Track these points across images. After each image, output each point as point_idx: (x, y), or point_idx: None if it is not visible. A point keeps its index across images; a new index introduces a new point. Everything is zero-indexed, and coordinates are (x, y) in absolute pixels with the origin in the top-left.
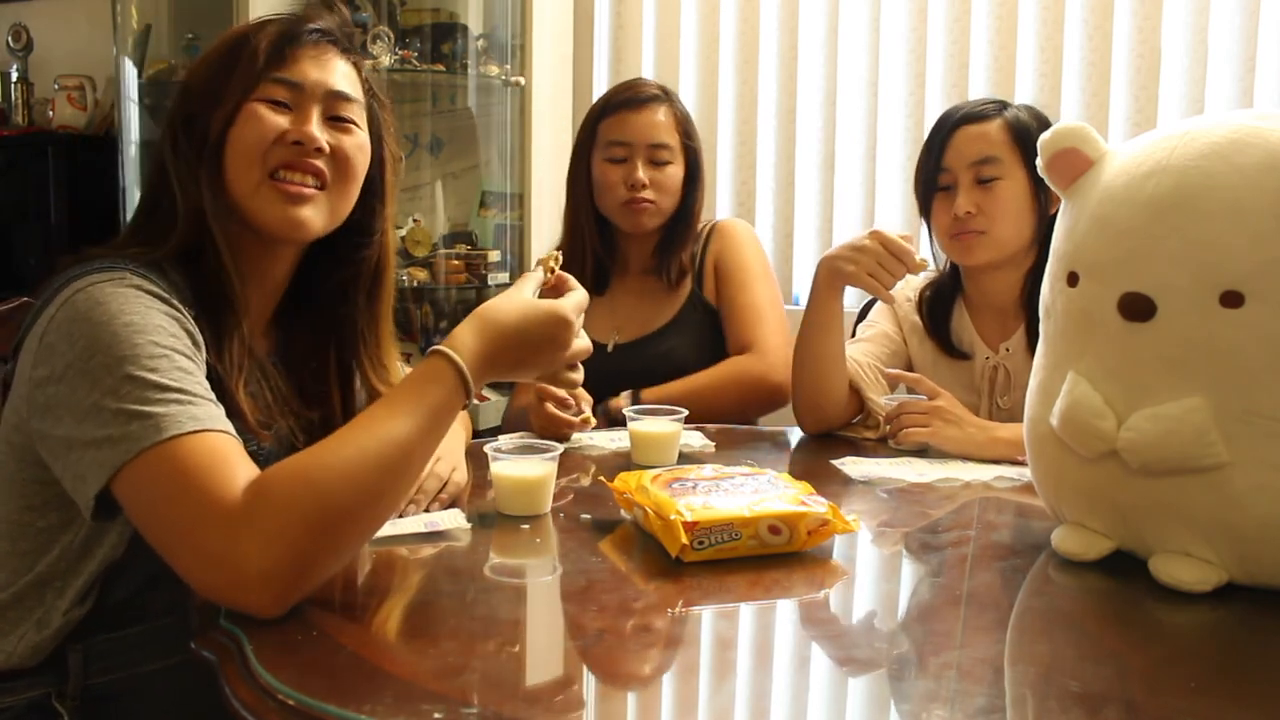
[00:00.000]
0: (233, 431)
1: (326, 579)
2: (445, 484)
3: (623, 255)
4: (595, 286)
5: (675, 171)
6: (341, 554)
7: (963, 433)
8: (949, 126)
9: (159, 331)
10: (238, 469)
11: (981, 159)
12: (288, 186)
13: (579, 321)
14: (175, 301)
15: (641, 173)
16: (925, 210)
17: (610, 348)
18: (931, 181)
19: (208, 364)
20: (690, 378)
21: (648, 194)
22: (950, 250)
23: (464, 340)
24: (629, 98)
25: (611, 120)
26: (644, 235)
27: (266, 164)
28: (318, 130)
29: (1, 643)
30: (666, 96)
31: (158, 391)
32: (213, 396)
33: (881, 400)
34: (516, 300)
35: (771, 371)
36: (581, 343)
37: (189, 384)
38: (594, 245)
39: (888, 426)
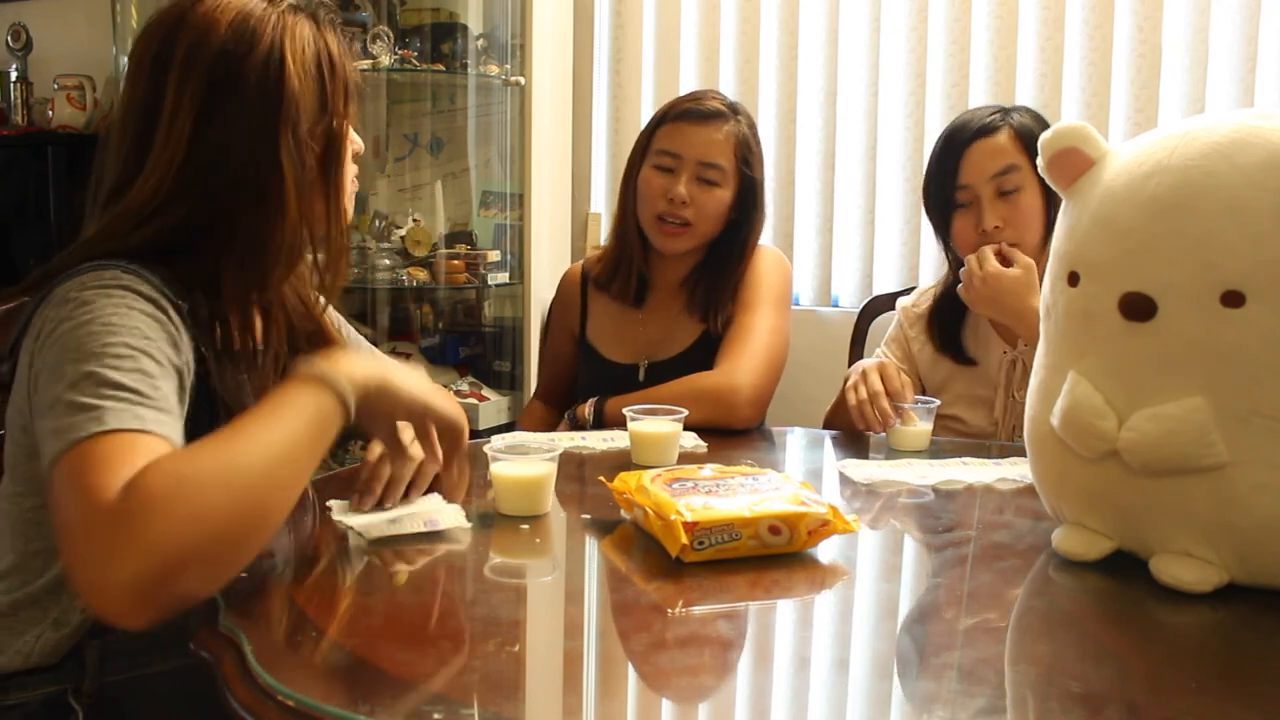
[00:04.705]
0: (177, 442)
1: (197, 598)
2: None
3: (657, 271)
4: (635, 300)
5: (722, 196)
6: (214, 570)
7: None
8: (962, 143)
9: (133, 333)
10: (135, 468)
11: (1003, 170)
12: None
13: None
14: (167, 296)
15: (684, 188)
16: (943, 229)
17: (641, 374)
18: (950, 200)
19: (204, 366)
20: (652, 389)
21: (686, 213)
22: None
23: (333, 362)
24: (689, 108)
25: (668, 129)
26: (678, 257)
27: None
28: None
29: (17, 642)
30: (732, 115)
31: (109, 388)
32: (173, 405)
33: (906, 405)
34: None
35: (734, 389)
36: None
37: (146, 386)
38: (637, 257)
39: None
